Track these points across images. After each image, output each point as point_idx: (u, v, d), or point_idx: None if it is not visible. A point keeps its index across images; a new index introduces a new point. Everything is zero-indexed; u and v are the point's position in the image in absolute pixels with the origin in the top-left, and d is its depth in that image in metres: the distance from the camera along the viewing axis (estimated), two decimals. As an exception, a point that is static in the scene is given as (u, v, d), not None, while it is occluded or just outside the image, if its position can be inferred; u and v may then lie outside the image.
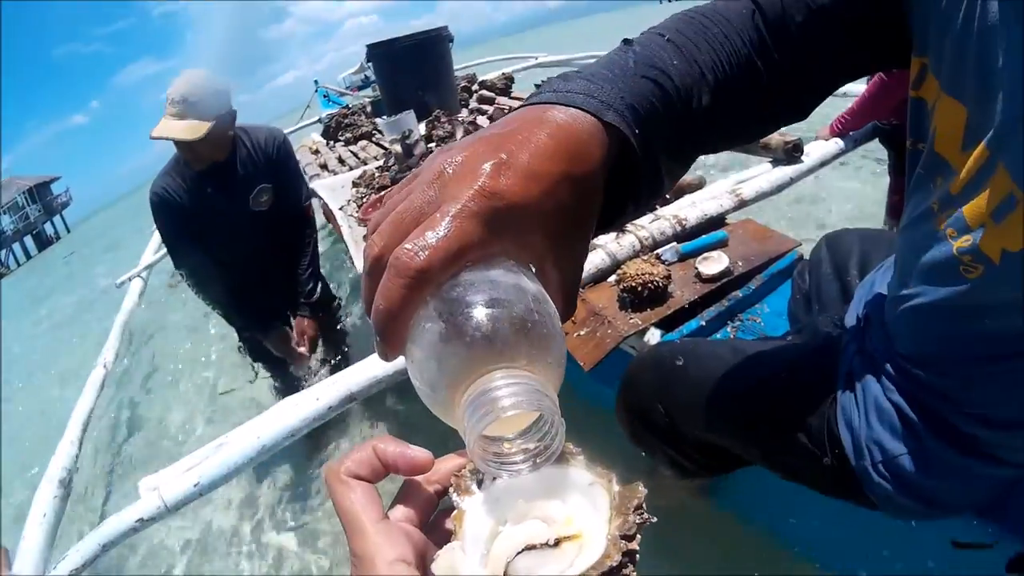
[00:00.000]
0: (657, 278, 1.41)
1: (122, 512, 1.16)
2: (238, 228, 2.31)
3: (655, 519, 0.32)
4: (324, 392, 1.18)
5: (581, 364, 1.34)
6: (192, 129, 2.00)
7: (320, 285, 2.57)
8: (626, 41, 0.54)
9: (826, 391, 0.87)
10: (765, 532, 1.41)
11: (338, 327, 2.83)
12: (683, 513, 1.48)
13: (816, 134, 2.33)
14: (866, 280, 0.98)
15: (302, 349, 2.46)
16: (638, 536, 0.31)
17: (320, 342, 2.64)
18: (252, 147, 2.30)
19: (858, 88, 2.33)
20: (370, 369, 1.20)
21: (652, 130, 0.45)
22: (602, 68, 0.47)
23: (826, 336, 0.97)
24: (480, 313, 0.32)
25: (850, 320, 0.94)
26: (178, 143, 2.09)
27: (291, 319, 2.53)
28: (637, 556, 0.31)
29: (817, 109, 0.66)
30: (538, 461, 0.34)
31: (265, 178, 2.32)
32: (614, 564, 0.30)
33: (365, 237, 0.38)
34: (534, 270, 0.38)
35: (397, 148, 2.46)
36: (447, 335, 0.32)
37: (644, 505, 0.32)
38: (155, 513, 1.13)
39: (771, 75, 0.56)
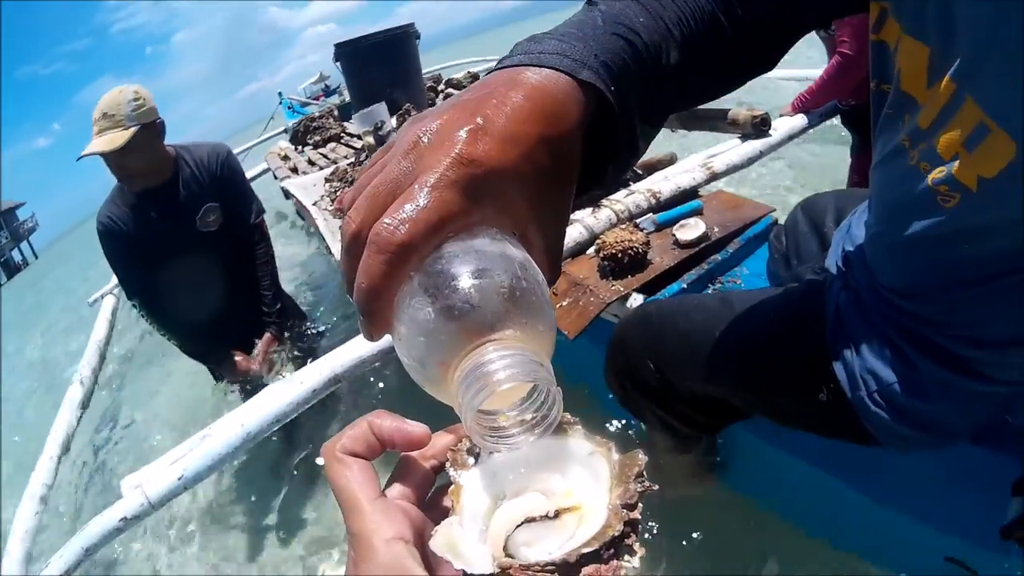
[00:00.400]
0: (637, 244, 1.42)
1: (105, 512, 1.13)
2: (189, 251, 2.24)
3: (656, 487, 0.31)
4: (308, 375, 1.17)
5: (565, 333, 1.34)
6: (111, 140, 1.94)
7: (281, 300, 2.50)
8: (590, 1, 0.53)
9: (816, 328, 0.88)
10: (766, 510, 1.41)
11: (305, 333, 2.77)
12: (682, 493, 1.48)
13: (780, 111, 2.42)
14: (842, 225, 0.99)
15: (254, 365, 2.36)
16: (640, 505, 0.30)
17: (286, 353, 2.56)
18: (195, 166, 2.22)
19: (816, 73, 2.41)
20: (354, 350, 1.19)
21: (627, 87, 0.44)
22: (571, 28, 0.46)
23: (810, 280, 0.97)
24: (467, 285, 0.31)
25: (831, 264, 0.95)
26: (107, 161, 2.02)
27: (254, 337, 2.44)
28: (639, 525, 0.30)
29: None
30: (536, 433, 0.33)
31: (211, 197, 2.24)
32: (616, 534, 0.29)
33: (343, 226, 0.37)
34: (517, 236, 0.37)
35: (369, 140, 2.44)
36: (435, 310, 0.31)
37: (645, 473, 0.32)
38: (139, 511, 1.11)
39: (735, 29, 0.56)
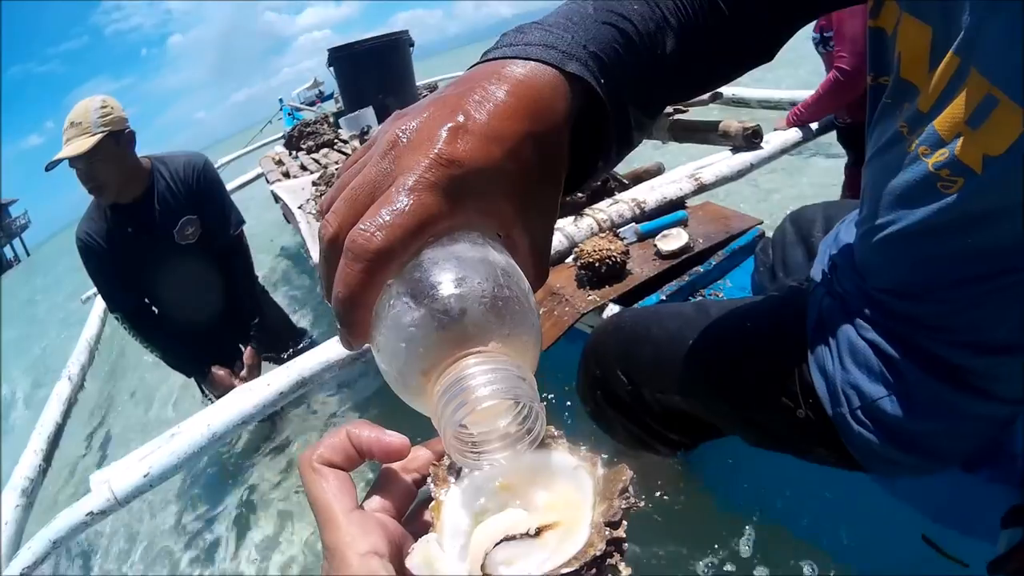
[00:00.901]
0: (615, 253, 1.40)
1: (72, 507, 1.15)
2: (168, 264, 2.22)
3: (642, 503, 0.30)
4: (275, 378, 1.17)
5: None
6: (78, 146, 1.94)
7: (261, 315, 2.48)
8: None
9: (796, 338, 0.83)
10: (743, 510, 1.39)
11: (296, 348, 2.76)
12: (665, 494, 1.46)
13: (775, 125, 2.41)
14: (829, 234, 0.94)
15: (237, 382, 2.33)
16: (624, 523, 0.29)
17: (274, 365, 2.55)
18: (171, 178, 2.20)
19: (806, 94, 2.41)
20: (322, 354, 1.19)
21: (619, 79, 0.42)
22: (560, 17, 0.44)
23: (792, 288, 0.93)
24: (447, 294, 0.30)
25: (816, 273, 0.89)
26: (77, 172, 2.02)
27: (236, 348, 2.44)
28: (625, 544, 0.29)
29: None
30: (518, 448, 0.32)
31: (189, 209, 2.22)
32: (598, 553, 0.28)
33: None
34: (502, 238, 0.36)
35: (356, 144, 2.44)
36: (413, 320, 0.30)
37: (630, 489, 0.30)
38: (105, 506, 1.12)
39: (735, 16, 0.54)
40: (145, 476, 1.11)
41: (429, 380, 0.31)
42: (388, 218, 0.31)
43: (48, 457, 1.82)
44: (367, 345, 0.34)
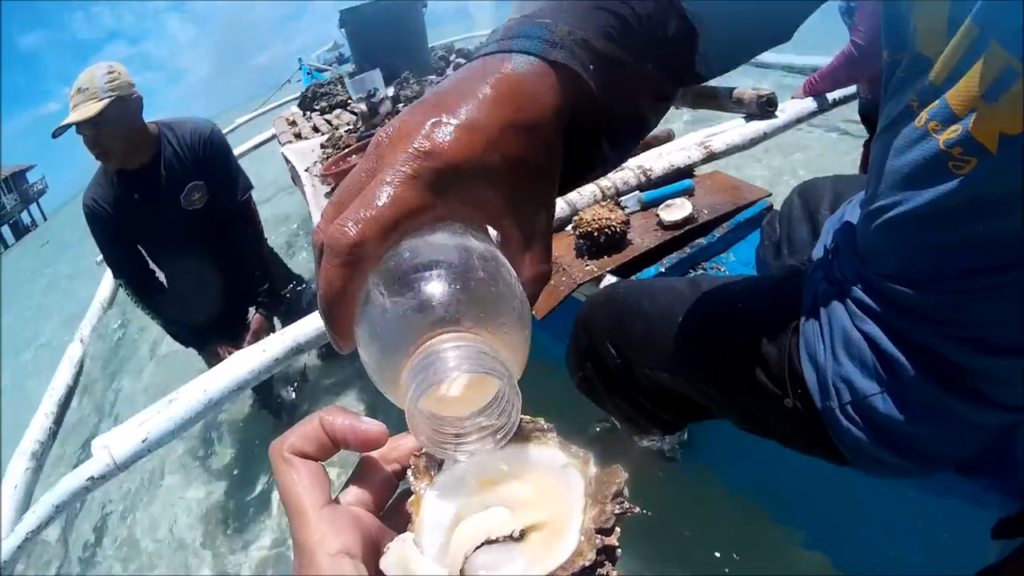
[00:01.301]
0: (614, 223, 1.37)
1: (74, 472, 1.17)
2: (176, 230, 2.23)
3: (637, 509, 0.28)
4: (271, 344, 1.18)
5: (533, 313, 1.31)
6: (85, 111, 1.93)
7: (270, 280, 2.48)
8: None
9: (789, 323, 0.79)
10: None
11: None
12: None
13: (792, 94, 2.35)
14: (835, 214, 0.90)
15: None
16: (617, 529, 0.28)
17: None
18: (178, 144, 2.20)
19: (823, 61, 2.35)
20: (318, 319, 1.19)
21: (615, 65, 0.41)
22: (549, 7, 0.43)
23: (791, 268, 0.89)
24: (415, 277, 0.30)
25: (818, 253, 0.86)
26: (84, 139, 2.02)
27: (241, 316, 2.45)
28: (618, 551, 0.27)
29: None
30: (498, 437, 0.31)
31: (195, 175, 2.22)
32: (587, 563, 0.26)
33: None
34: (494, 233, 0.35)
35: (362, 107, 2.41)
36: (384, 308, 0.30)
37: (625, 492, 0.29)
38: (105, 471, 1.14)
39: None
40: (143, 441, 1.13)
41: (402, 369, 0.30)
42: (363, 213, 0.31)
43: (59, 420, 1.85)
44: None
